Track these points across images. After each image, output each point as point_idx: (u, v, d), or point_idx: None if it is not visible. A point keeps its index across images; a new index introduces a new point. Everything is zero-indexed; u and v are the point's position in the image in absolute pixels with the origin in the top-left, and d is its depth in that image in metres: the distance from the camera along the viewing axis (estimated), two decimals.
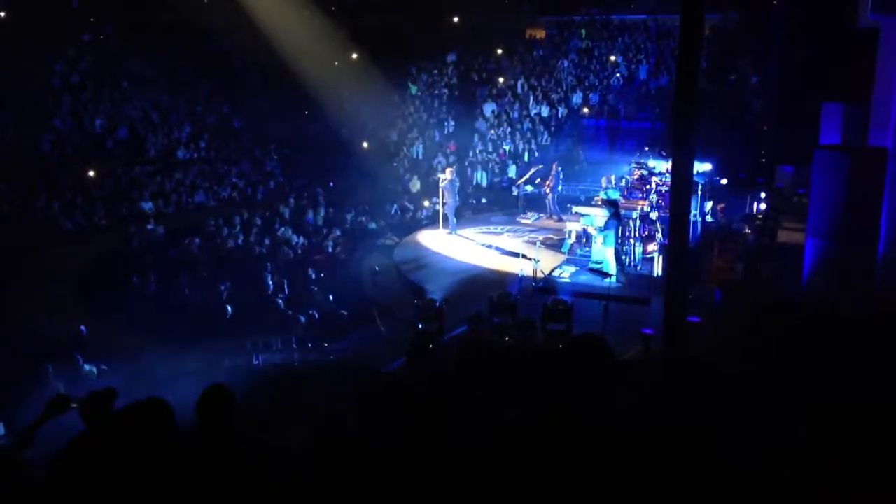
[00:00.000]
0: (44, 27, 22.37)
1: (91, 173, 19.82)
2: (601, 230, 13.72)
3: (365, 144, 24.67)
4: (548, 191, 19.22)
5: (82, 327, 10.99)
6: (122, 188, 19.94)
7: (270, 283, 13.65)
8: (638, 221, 14.56)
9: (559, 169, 19.43)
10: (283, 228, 17.45)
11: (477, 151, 24.87)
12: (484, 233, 18.04)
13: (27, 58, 20.94)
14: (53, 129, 20.74)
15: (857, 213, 10.73)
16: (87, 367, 9.54)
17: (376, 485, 2.95)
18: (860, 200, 10.70)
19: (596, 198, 15.87)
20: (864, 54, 12.10)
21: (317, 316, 12.33)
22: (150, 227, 17.33)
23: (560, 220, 18.09)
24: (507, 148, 24.96)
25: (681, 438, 2.74)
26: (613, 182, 16.62)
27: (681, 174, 8.52)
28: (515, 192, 20.74)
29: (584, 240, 15.16)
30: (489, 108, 26.76)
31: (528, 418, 2.84)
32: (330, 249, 16.45)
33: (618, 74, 26.98)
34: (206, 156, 23.03)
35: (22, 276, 14.50)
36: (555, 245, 16.04)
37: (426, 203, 20.42)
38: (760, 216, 16.08)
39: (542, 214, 19.50)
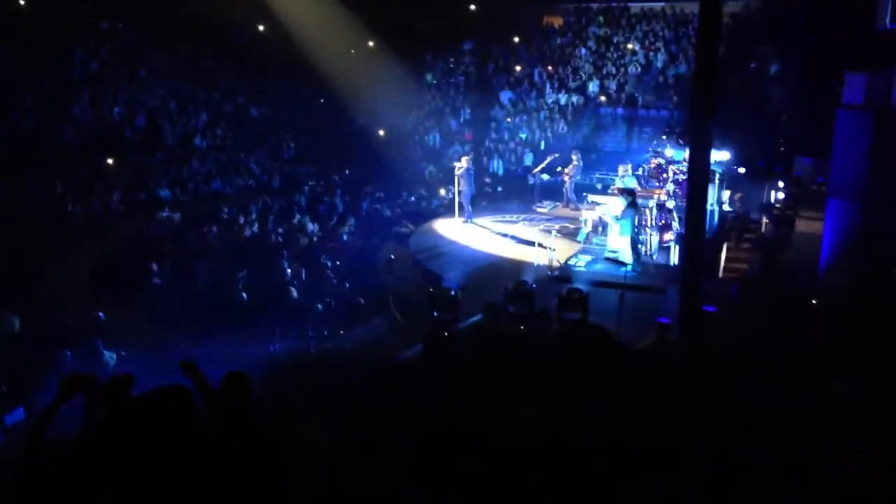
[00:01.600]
0: (62, 17, 22.46)
1: (109, 161, 19.92)
2: (617, 219, 13.68)
3: (381, 132, 24.67)
4: (567, 179, 19.13)
5: (100, 314, 11.07)
6: (139, 176, 20.03)
7: (288, 270, 13.70)
8: (655, 210, 14.49)
9: (580, 157, 19.36)
10: (299, 216, 17.50)
11: (493, 140, 24.81)
12: (499, 221, 18.01)
13: (46, 48, 21.05)
14: (73, 118, 20.83)
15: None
16: (106, 353, 9.63)
17: (389, 479, 2.96)
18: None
19: (612, 186, 15.80)
20: (884, 46, 12.01)
21: (333, 304, 12.38)
22: (166, 215, 17.41)
23: (576, 208, 18.03)
24: (523, 136, 24.87)
25: (691, 433, 2.74)
26: (630, 171, 16.51)
27: (698, 163, 8.48)
28: (531, 181, 20.67)
29: (600, 229, 15.13)
30: (506, 96, 26.65)
31: (541, 414, 2.84)
32: (345, 237, 16.49)
33: (635, 62, 26.77)
34: (223, 144, 23.10)
35: (40, 264, 14.60)
36: (570, 234, 15.99)
37: (442, 191, 20.40)
38: (779, 206, 15.95)
39: (557, 203, 19.44)
